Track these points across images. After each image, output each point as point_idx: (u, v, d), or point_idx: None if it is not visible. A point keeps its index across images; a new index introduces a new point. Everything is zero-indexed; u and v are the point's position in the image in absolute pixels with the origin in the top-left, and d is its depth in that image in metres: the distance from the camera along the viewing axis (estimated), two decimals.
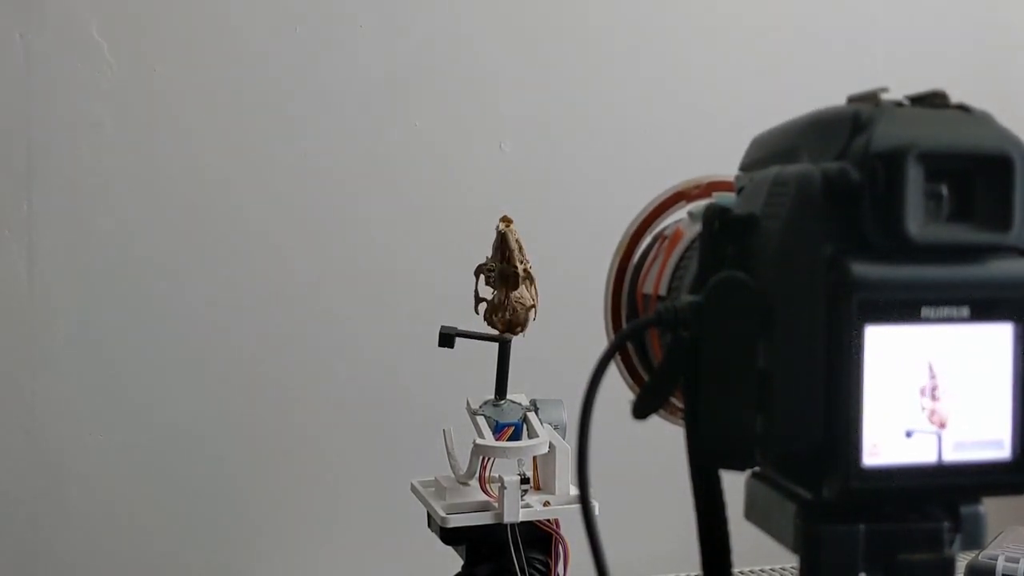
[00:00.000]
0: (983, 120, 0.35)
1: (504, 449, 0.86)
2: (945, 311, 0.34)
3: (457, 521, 0.85)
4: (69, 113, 1.15)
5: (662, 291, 0.44)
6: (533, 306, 0.89)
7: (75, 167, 1.15)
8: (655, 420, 0.40)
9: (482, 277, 0.90)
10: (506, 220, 0.88)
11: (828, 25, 1.37)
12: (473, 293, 0.90)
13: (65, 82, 1.14)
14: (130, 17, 1.16)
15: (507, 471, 0.87)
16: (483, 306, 0.90)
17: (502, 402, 0.90)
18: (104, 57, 1.15)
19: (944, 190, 0.34)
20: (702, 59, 1.33)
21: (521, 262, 0.88)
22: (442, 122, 1.25)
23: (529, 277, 0.88)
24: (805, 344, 0.34)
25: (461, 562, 0.90)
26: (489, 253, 0.90)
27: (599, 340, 0.46)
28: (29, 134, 1.14)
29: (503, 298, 0.88)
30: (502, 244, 0.88)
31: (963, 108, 0.36)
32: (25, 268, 1.14)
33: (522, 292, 0.88)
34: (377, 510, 1.23)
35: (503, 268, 0.88)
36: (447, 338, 0.88)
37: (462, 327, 0.90)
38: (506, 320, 0.88)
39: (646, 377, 0.47)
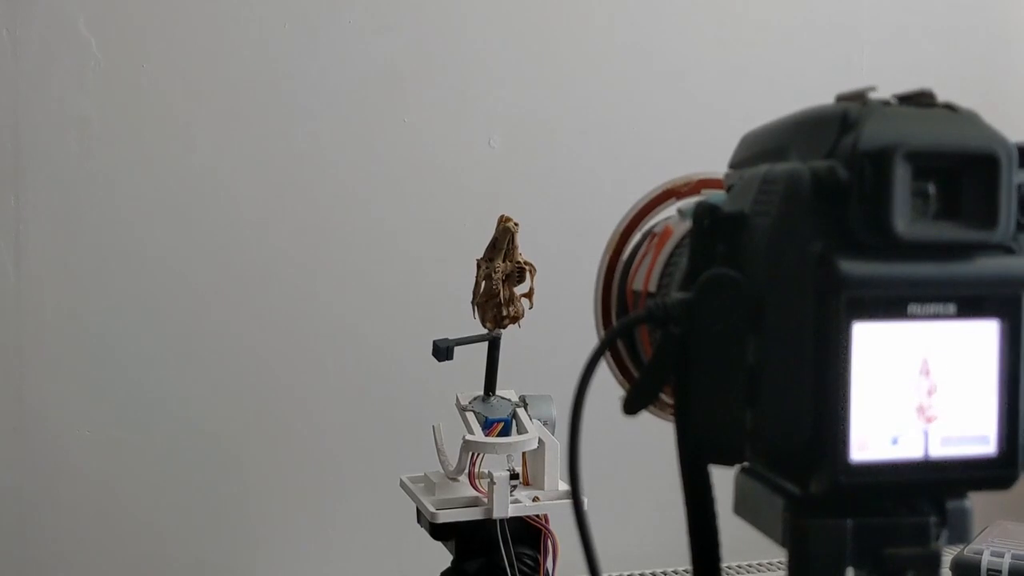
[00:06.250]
0: (969, 119, 0.36)
1: (493, 445, 0.86)
2: (932, 308, 0.34)
3: (446, 516, 0.85)
4: (57, 108, 1.14)
5: (652, 288, 0.44)
6: (526, 295, 0.90)
7: (63, 162, 1.15)
8: (645, 416, 0.41)
9: (480, 270, 0.90)
10: (512, 220, 0.88)
11: (817, 24, 1.38)
12: (474, 287, 0.90)
13: (53, 77, 1.14)
14: (118, 12, 1.16)
15: (496, 467, 0.88)
16: (477, 299, 0.90)
17: (491, 398, 0.91)
18: (92, 52, 1.15)
19: (931, 188, 0.34)
20: (693, 57, 1.33)
21: (521, 257, 0.89)
22: (431, 118, 1.25)
23: (532, 269, 0.89)
24: (794, 340, 0.34)
25: (451, 557, 0.90)
26: (480, 247, 0.90)
27: (589, 336, 0.46)
28: (16, 129, 1.13)
29: (508, 295, 0.88)
30: (509, 242, 0.88)
31: (950, 107, 0.36)
32: (12, 263, 1.14)
33: (522, 286, 0.89)
34: (367, 505, 1.23)
35: (507, 266, 0.88)
36: (446, 351, 0.88)
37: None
38: (511, 315, 0.89)
39: (636, 373, 0.47)
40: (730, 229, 0.36)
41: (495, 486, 0.85)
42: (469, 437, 0.87)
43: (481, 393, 0.91)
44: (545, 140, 1.28)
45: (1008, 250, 0.35)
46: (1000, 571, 0.98)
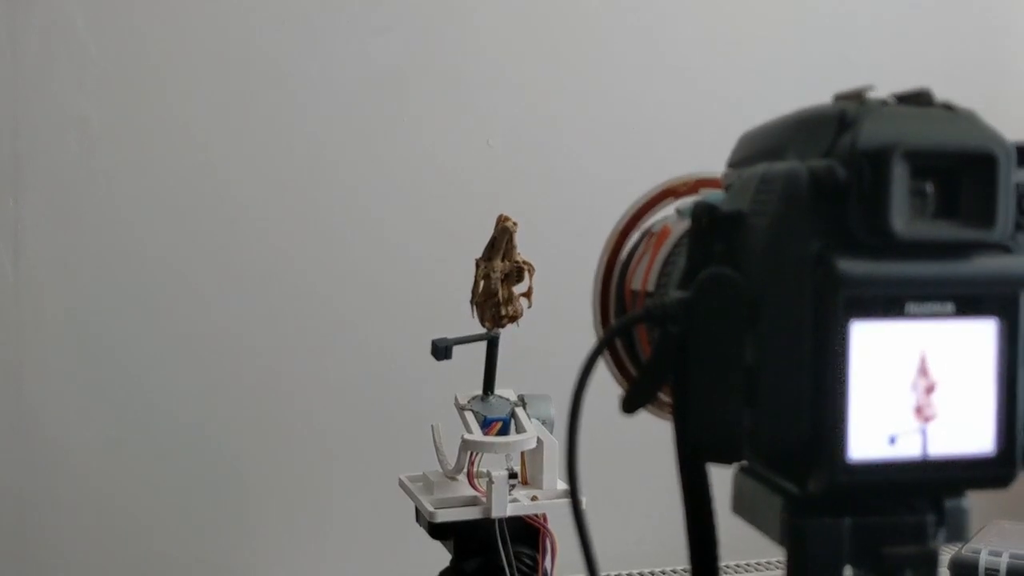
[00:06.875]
0: (967, 118, 0.36)
1: (492, 444, 0.87)
2: (930, 307, 0.34)
3: (445, 516, 0.85)
4: (55, 108, 1.14)
5: (650, 287, 0.44)
6: (524, 295, 0.90)
7: (61, 163, 1.15)
8: (644, 415, 0.41)
9: (479, 269, 0.90)
10: (510, 219, 0.88)
11: (816, 23, 1.38)
12: (473, 287, 0.90)
13: (51, 77, 1.14)
14: (117, 12, 1.16)
15: (495, 466, 0.88)
16: (475, 298, 0.90)
17: (490, 397, 0.91)
18: (91, 52, 1.15)
19: (929, 187, 0.34)
20: (690, 56, 1.33)
21: (519, 257, 0.89)
22: (429, 119, 1.25)
23: (530, 268, 0.89)
24: (792, 339, 0.34)
25: (449, 556, 0.90)
26: (479, 247, 0.90)
27: (587, 336, 0.46)
28: (15, 129, 1.13)
29: (507, 295, 0.88)
30: (508, 242, 0.88)
31: (947, 106, 0.36)
32: (11, 264, 1.14)
33: (521, 285, 0.89)
34: (366, 505, 1.23)
35: (505, 266, 0.88)
36: (445, 350, 0.88)
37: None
38: (510, 314, 0.89)
39: (635, 372, 0.47)
40: (728, 228, 0.36)
41: (494, 485, 0.85)
42: (468, 436, 0.87)
43: (480, 392, 0.91)
44: (543, 140, 1.28)
45: (1006, 249, 0.35)
46: (998, 570, 0.98)
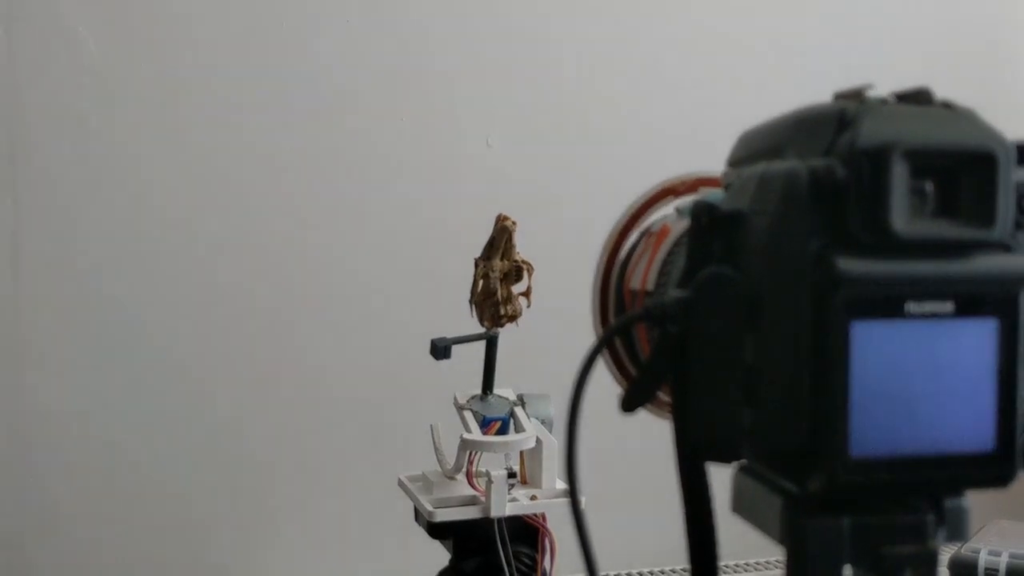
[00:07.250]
0: (967, 117, 0.36)
1: (491, 443, 0.86)
2: (930, 306, 0.34)
3: (444, 515, 0.85)
4: (54, 107, 1.14)
5: (649, 286, 0.44)
6: (523, 294, 0.90)
7: (60, 162, 1.15)
8: (643, 415, 0.41)
9: (479, 268, 0.90)
10: (509, 218, 0.88)
11: (815, 22, 1.38)
12: (472, 286, 0.90)
13: (49, 76, 1.14)
14: (116, 11, 1.15)
15: (494, 466, 0.88)
16: (475, 298, 0.90)
17: (489, 397, 0.91)
18: (89, 51, 1.15)
19: (929, 186, 0.34)
20: (690, 56, 1.33)
21: (519, 256, 0.89)
22: (429, 118, 1.25)
23: (529, 267, 0.89)
24: (792, 339, 0.34)
25: (449, 556, 0.90)
26: (478, 246, 0.90)
27: (586, 335, 0.46)
28: (13, 128, 1.13)
29: (506, 294, 0.88)
30: (507, 241, 0.88)
31: (947, 105, 0.36)
32: (9, 264, 1.14)
33: (520, 284, 0.89)
34: (365, 504, 1.23)
35: (504, 265, 0.88)
36: (444, 350, 0.88)
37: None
38: (509, 314, 0.89)
39: (634, 372, 0.47)
40: (728, 227, 0.36)
41: (493, 485, 0.85)
42: (467, 436, 0.87)
43: (479, 392, 0.91)
44: (543, 140, 1.28)
45: (1006, 248, 0.35)
46: (997, 570, 0.98)
